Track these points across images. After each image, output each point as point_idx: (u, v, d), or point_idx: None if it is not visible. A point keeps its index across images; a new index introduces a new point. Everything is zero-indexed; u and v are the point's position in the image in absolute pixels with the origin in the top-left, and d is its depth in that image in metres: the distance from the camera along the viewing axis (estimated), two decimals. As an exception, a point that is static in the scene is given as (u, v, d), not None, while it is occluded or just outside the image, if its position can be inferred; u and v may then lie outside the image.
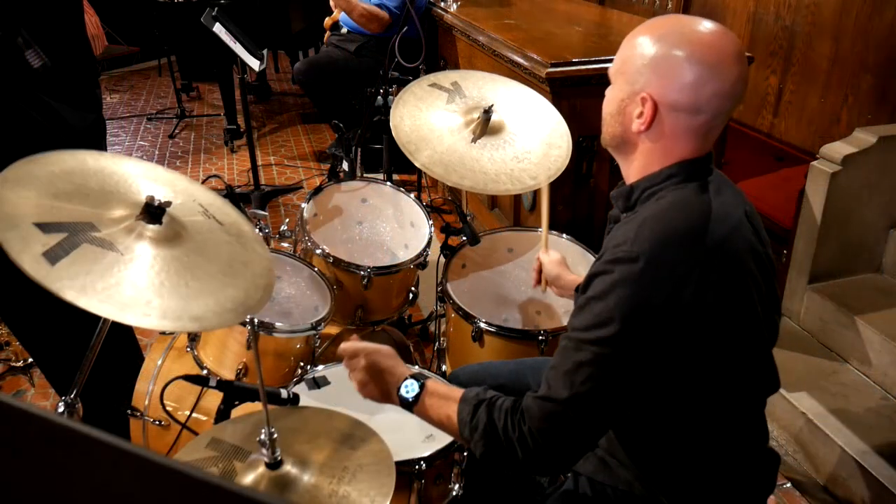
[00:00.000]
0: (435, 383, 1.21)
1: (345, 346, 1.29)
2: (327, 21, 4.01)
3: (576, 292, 1.15)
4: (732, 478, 1.19)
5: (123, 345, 1.99)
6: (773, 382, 1.21)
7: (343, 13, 3.82)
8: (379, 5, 3.69)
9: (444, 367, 2.02)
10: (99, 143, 1.83)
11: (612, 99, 1.15)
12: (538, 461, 1.07)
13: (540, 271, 1.73)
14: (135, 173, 1.23)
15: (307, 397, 1.53)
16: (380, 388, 1.25)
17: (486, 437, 1.09)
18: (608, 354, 1.01)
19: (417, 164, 1.75)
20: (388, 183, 2.35)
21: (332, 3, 3.81)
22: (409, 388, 1.21)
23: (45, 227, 1.00)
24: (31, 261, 0.95)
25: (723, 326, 1.04)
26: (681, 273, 1.00)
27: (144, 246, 1.10)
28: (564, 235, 2.07)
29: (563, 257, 1.72)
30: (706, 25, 1.07)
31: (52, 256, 0.97)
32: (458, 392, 1.18)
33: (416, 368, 1.30)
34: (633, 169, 1.15)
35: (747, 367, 1.12)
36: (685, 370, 1.05)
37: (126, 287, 1.02)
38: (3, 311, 1.82)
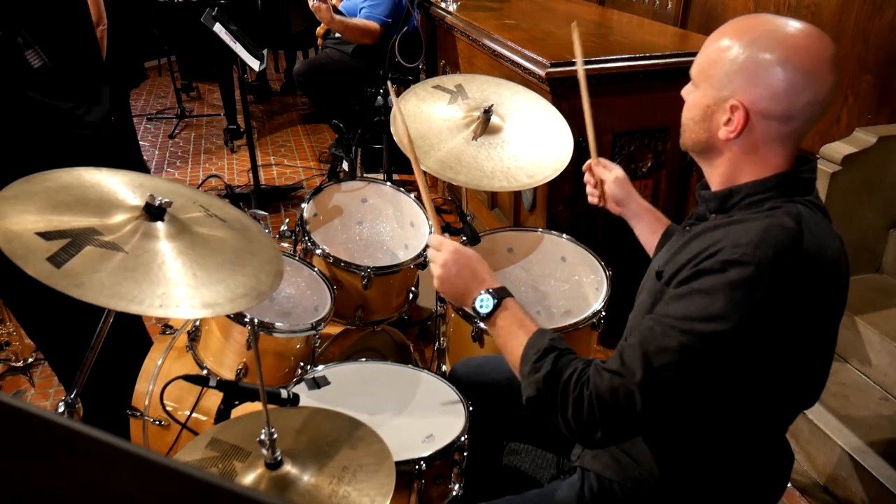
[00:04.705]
0: (513, 305, 1.17)
1: (431, 237, 1.27)
2: (319, 30, 4.00)
3: (658, 280, 1.10)
4: (750, 480, 1.18)
5: (133, 343, 1.99)
6: (816, 396, 1.18)
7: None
8: (368, 17, 3.67)
9: (444, 367, 2.02)
10: (108, 138, 1.83)
11: (696, 104, 1.09)
12: (582, 428, 1.03)
13: (596, 185, 1.56)
14: (134, 184, 1.25)
15: (307, 397, 1.52)
16: (458, 288, 1.21)
17: (544, 383, 1.05)
18: (697, 349, 0.98)
19: (409, 157, 1.74)
20: (388, 183, 2.34)
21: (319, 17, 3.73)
22: (485, 304, 1.17)
23: (46, 236, 1.04)
24: (36, 266, 0.98)
25: (809, 343, 1.04)
26: (796, 289, 0.98)
27: (150, 242, 1.12)
28: (564, 236, 2.07)
29: (624, 175, 1.54)
30: (799, 27, 1.00)
31: (57, 261, 1.00)
32: (532, 326, 1.14)
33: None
34: (718, 175, 1.11)
35: (806, 381, 1.11)
36: (755, 378, 1.03)
37: (136, 281, 1.04)
38: (15, 310, 1.84)
